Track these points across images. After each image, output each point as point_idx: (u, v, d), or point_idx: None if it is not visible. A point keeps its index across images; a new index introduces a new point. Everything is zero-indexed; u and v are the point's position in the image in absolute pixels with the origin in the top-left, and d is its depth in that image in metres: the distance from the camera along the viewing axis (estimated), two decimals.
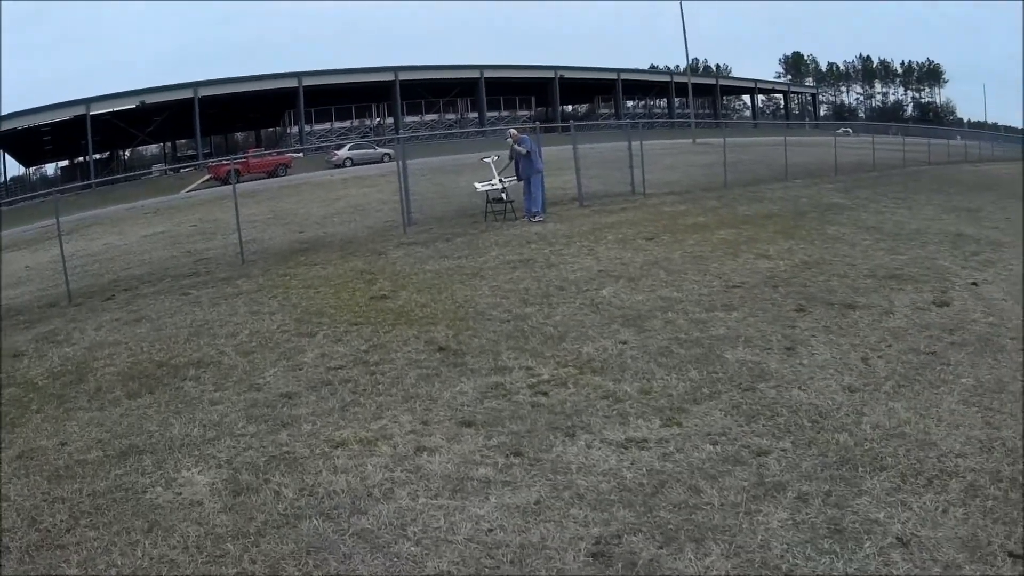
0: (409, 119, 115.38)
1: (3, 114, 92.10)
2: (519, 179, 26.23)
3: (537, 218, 25.11)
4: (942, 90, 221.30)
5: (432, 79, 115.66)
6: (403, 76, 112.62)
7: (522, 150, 25.72)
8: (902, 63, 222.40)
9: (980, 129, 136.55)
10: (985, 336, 12.19)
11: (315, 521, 7.32)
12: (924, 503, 7.12)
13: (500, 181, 26.20)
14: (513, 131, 26.94)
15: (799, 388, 10.07)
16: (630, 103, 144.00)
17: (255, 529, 7.26)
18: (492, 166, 26.98)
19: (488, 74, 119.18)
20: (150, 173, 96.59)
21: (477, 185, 26.66)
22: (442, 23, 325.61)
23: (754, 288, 15.38)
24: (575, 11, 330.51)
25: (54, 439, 10.02)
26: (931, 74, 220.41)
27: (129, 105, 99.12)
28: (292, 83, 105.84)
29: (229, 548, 6.96)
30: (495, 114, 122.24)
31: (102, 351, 14.12)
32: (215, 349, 13.48)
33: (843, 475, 7.69)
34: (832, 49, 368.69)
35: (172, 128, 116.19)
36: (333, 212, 32.78)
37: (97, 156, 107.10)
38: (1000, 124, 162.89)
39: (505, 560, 6.55)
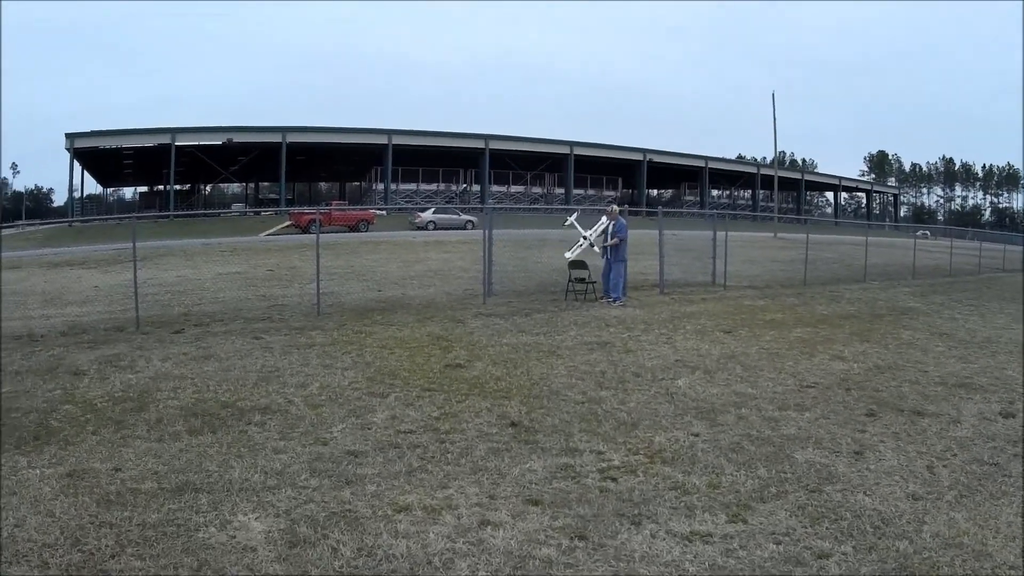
0: (495, 188, 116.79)
1: (87, 131, 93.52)
2: (603, 256, 26.14)
3: (617, 302, 25.00)
4: (1020, 195, 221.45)
5: (521, 151, 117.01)
6: (493, 145, 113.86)
7: (614, 236, 25.84)
8: (983, 166, 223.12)
9: None
10: None
11: None
12: None
13: (585, 238, 26.21)
14: (615, 207, 26.89)
15: (864, 493, 9.94)
16: (715, 192, 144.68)
17: None
18: (576, 224, 26.88)
19: (578, 151, 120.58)
20: (230, 211, 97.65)
21: (568, 255, 26.42)
22: (533, 98, 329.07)
23: (827, 389, 15.24)
24: (665, 96, 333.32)
25: (108, 463, 10.00)
26: (1010, 179, 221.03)
27: (216, 141, 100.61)
28: (382, 139, 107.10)
29: None
30: (581, 191, 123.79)
31: (167, 383, 14.12)
32: (283, 397, 13.44)
33: None
34: (916, 149, 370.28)
35: (256, 169, 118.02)
36: (413, 274, 32.94)
37: (178, 187, 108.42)
38: None
39: None
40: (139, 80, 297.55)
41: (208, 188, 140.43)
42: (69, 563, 7.28)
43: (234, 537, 7.97)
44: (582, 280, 26.17)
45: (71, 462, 9.98)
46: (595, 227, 26.18)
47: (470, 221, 72.23)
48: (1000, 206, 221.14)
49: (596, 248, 26.22)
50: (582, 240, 26.15)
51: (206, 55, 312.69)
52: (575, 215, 27.66)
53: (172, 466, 9.93)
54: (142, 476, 9.53)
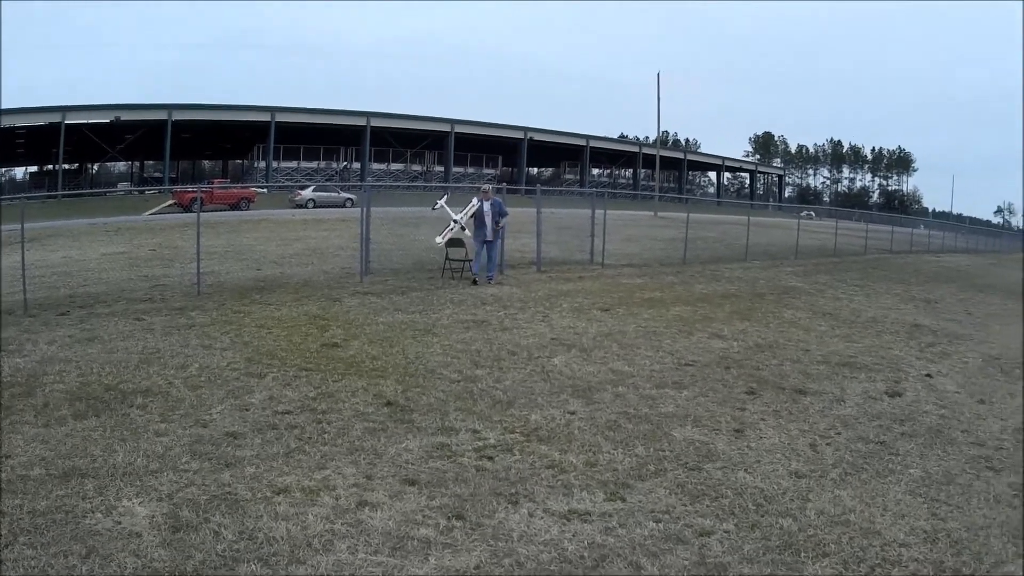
0: (376, 166, 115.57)
1: None
2: (475, 238, 25.62)
3: (491, 281, 24.90)
4: (910, 178, 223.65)
5: (402, 128, 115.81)
6: (374, 122, 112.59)
7: (500, 217, 25.60)
8: (872, 149, 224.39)
9: (945, 220, 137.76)
10: (936, 428, 12.48)
11: (253, 566, 7.30)
12: None
13: (456, 221, 25.69)
14: (488, 186, 26.67)
15: (745, 471, 10.21)
16: (596, 171, 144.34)
17: (192, 568, 7.23)
18: (445, 207, 26.45)
19: (458, 129, 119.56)
20: (116, 191, 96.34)
21: (438, 240, 25.92)
22: (416, 74, 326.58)
23: (706, 367, 15.57)
24: (548, 76, 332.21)
25: None
26: (900, 162, 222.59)
27: (104, 119, 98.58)
28: (265, 117, 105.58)
29: None
30: (461, 170, 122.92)
31: (52, 367, 14.03)
32: (164, 379, 13.39)
33: (785, 559, 7.81)
34: (803, 131, 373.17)
35: (142, 148, 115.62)
36: (291, 253, 32.56)
37: (67, 166, 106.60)
38: (965, 215, 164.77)
39: None
40: (30, 64, 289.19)
41: (95, 167, 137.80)
42: None
43: (119, 523, 8.05)
44: (459, 259, 26.12)
45: None
46: (465, 209, 25.72)
47: (350, 199, 72.02)
48: (889, 188, 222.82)
49: (467, 232, 25.80)
50: (452, 224, 25.64)
51: (96, 35, 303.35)
52: (444, 198, 26.74)
53: (59, 451, 9.95)
54: (31, 462, 9.55)
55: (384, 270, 26.95)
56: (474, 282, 24.62)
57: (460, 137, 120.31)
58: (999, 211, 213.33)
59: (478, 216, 25.45)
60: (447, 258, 26.41)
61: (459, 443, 10.85)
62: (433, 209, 27.25)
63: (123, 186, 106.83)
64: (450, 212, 26.10)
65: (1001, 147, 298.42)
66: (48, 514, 8.19)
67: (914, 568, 7.75)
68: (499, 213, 25.47)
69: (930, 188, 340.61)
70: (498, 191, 27.17)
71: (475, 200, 25.76)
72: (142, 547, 7.59)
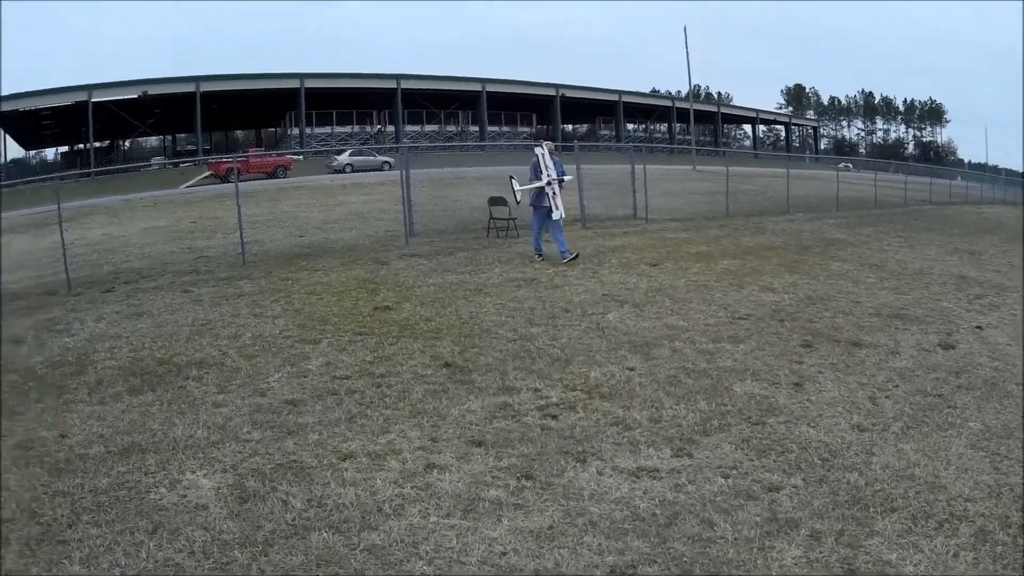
0: (409, 128, 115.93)
1: (5, 95, 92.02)
2: (534, 205, 22.79)
3: (566, 258, 21.64)
4: (943, 130, 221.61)
5: (434, 89, 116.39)
6: (406, 84, 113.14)
7: (566, 178, 23.15)
8: (904, 100, 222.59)
9: (981, 171, 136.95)
10: (991, 380, 12.24)
11: (325, 534, 7.22)
12: (935, 546, 7.11)
13: (550, 183, 22.46)
14: (551, 144, 23.91)
15: (808, 425, 10.06)
16: (631, 126, 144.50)
17: (263, 538, 7.16)
18: (518, 186, 24.41)
19: (490, 88, 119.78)
20: (149, 165, 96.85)
21: (556, 216, 22.26)
22: (446, 34, 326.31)
23: (760, 321, 15.41)
24: (578, 31, 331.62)
25: (54, 431, 9.88)
26: (933, 113, 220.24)
27: (132, 95, 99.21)
28: (295, 84, 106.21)
29: (237, 556, 6.86)
30: (495, 128, 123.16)
31: (103, 344, 14.00)
32: (217, 350, 13.36)
33: (855, 515, 7.66)
34: (834, 83, 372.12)
35: (173, 121, 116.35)
36: (334, 218, 32.79)
37: (97, 144, 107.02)
38: (1001, 167, 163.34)
39: None
40: (54, 40, 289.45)
41: (127, 143, 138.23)
42: (29, 537, 7.21)
43: (185, 496, 7.97)
44: (503, 218, 26.08)
45: (19, 433, 9.85)
46: (541, 166, 22.80)
47: (387, 162, 72.57)
48: (923, 140, 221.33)
49: (555, 189, 22.63)
50: (548, 188, 22.43)
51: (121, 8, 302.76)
52: (514, 181, 25.53)
53: (116, 428, 9.89)
54: (88, 441, 9.48)
55: (429, 231, 27.07)
56: (575, 257, 21.69)
57: (492, 96, 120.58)
58: None
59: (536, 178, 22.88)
60: (491, 217, 26.52)
61: (521, 402, 10.76)
62: (518, 202, 25.93)
63: (157, 160, 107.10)
64: (529, 185, 24.64)
65: None
66: (110, 491, 8.11)
67: (981, 523, 7.58)
68: (561, 174, 23.08)
69: (964, 140, 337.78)
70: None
71: (536, 150, 23.50)
72: (210, 520, 7.51)
